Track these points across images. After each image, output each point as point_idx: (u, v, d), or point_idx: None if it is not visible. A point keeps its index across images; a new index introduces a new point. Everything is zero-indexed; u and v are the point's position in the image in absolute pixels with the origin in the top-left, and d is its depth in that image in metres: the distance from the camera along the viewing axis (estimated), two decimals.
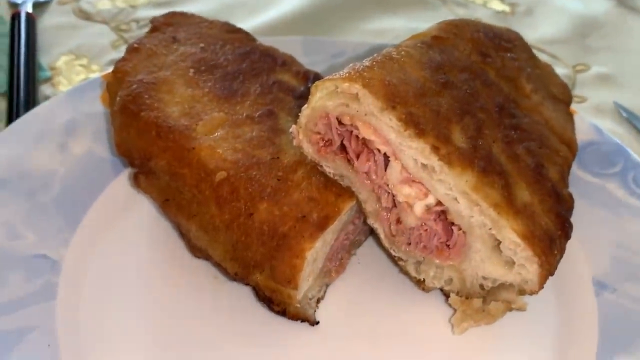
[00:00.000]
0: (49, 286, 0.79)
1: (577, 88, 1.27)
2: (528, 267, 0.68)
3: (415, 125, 0.66)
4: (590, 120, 1.03)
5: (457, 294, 0.76)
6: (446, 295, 0.79)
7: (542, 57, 1.33)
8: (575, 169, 0.94)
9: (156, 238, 0.86)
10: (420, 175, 0.68)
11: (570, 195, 0.78)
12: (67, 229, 0.85)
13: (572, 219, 0.77)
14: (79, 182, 0.90)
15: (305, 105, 0.72)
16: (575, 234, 0.76)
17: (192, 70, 0.85)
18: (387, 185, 0.71)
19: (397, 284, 0.83)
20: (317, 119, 0.72)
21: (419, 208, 0.71)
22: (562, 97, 0.91)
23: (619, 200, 0.91)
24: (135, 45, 0.88)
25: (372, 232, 0.87)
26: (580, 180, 0.94)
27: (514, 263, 0.69)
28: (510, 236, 0.67)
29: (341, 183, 0.74)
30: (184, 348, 0.76)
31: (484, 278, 0.72)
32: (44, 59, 1.24)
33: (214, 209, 0.72)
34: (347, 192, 0.74)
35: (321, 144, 0.73)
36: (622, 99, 1.24)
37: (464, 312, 0.77)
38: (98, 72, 1.22)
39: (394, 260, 0.79)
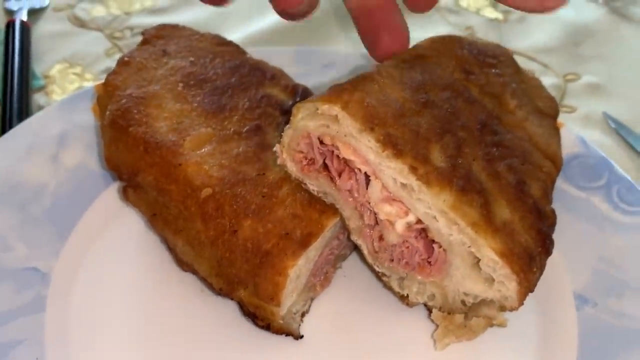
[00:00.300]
0: (38, 299, 0.80)
1: (566, 98, 1.28)
2: (507, 285, 0.70)
3: (393, 146, 0.68)
4: (576, 132, 1.04)
5: (440, 309, 0.78)
6: (430, 310, 0.80)
7: (533, 66, 1.35)
8: (560, 182, 0.95)
9: (145, 251, 0.87)
10: (400, 194, 0.70)
11: (553, 212, 0.79)
12: (57, 241, 0.86)
13: (556, 233, 0.78)
14: (70, 194, 0.91)
15: (288, 125, 0.74)
16: (557, 248, 0.77)
17: (181, 85, 0.86)
18: (369, 203, 0.72)
19: (382, 298, 0.84)
20: (299, 139, 0.73)
21: (400, 226, 0.72)
22: (548, 110, 0.91)
23: (602, 214, 0.92)
24: (126, 58, 0.89)
25: (357, 247, 0.89)
26: (565, 193, 0.95)
27: (493, 280, 0.71)
28: (489, 254, 0.68)
29: (325, 200, 0.75)
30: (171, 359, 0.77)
31: (465, 294, 0.74)
32: (38, 67, 1.25)
33: (200, 225, 0.74)
34: (331, 209, 0.75)
35: (304, 162, 0.75)
36: (612, 108, 1.24)
37: (446, 328, 0.78)
38: (92, 80, 1.23)
39: (378, 275, 0.80)
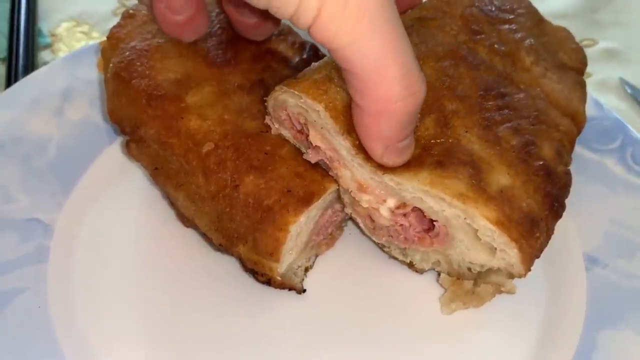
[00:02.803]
0: (41, 249, 0.80)
1: None
2: (509, 252, 0.68)
3: (364, 151, 0.66)
4: (591, 95, 1.01)
5: (448, 274, 0.76)
6: (439, 273, 0.79)
7: None
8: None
9: (148, 205, 0.87)
10: (383, 187, 0.69)
11: (567, 173, 0.75)
12: (61, 194, 0.86)
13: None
14: (74, 147, 0.91)
15: (269, 96, 0.72)
16: (568, 210, 0.74)
17: None
18: (350, 193, 0.71)
19: (386, 257, 0.84)
20: (280, 111, 0.72)
21: (384, 211, 0.71)
22: (573, 63, 0.86)
23: (615, 176, 0.90)
24: (131, 11, 0.87)
25: None
26: (578, 155, 0.92)
27: (496, 249, 0.69)
28: (483, 223, 0.66)
29: (325, 169, 0.74)
30: (172, 313, 0.78)
31: (471, 263, 0.72)
32: (44, 25, 1.24)
33: (201, 179, 0.73)
34: None
35: (296, 129, 0.73)
36: (629, 74, 1.21)
37: (454, 293, 0.77)
38: (99, 39, 1.22)
39: (379, 246, 0.79)
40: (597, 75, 1.22)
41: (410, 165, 0.67)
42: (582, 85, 0.84)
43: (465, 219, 0.67)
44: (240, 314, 0.78)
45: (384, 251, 0.80)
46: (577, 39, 1.29)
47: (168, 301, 0.78)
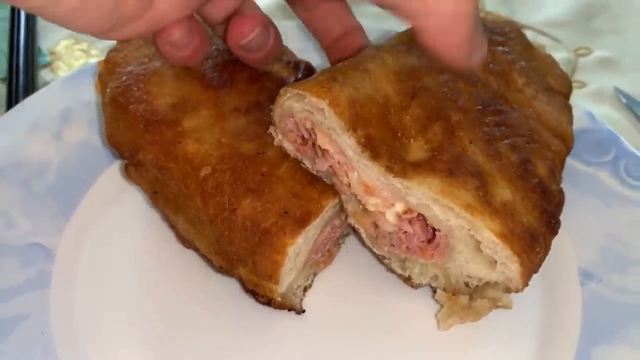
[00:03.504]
0: (43, 274, 0.81)
1: (578, 73, 1.25)
2: (509, 266, 0.69)
3: (371, 148, 0.67)
4: (584, 107, 1.02)
5: (444, 290, 0.77)
6: (434, 290, 0.79)
7: (544, 41, 1.33)
8: (567, 158, 0.94)
9: (148, 228, 0.88)
10: (390, 190, 0.69)
11: (560, 191, 0.77)
12: (61, 218, 0.87)
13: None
14: (74, 170, 0.92)
15: (275, 105, 0.73)
16: (563, 224, 0.76)
17: None
18: (356, 196, 0.72)
19: (385, 274, 0.84)
20: (286, 118, 0.73)
21: (390, 216, 0.72)
22: (560, 88, 0.89)
23: (609, 190, 0.91)
24: None
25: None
26: (572, 168, 0.93)
27: (496, 262, 0.70)
28: (488, 236, 0.67)
29: (326, 181, 0.74)
30: (175, 335, 0.78)
31: (469, 277, 0.73)
32: (43, 44, 1.25)
33: (199, 203, 0.74)
34: (331, 189, 0.74)
35: (299, 141, 0.74)
36: (624, 83, 1.22)
37: (450, 308, 0.78)
38: (97, 57, 1.23)
39: (379, 258, 0.80)
40: (592, 84, 1.23)
41: (420, 169, 0.68)
42: (569, 109, 0.86)
43: (469, 230, 0.68)
44: (241, 334, 0.79)
45: (382, 263, 0.80)
46: (572, 47, 1.32)
47: (171, 324, 0.79)
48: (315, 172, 0.75)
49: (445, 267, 0.73)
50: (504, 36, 0.86)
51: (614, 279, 0.82)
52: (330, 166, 0.73)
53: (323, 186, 0.74)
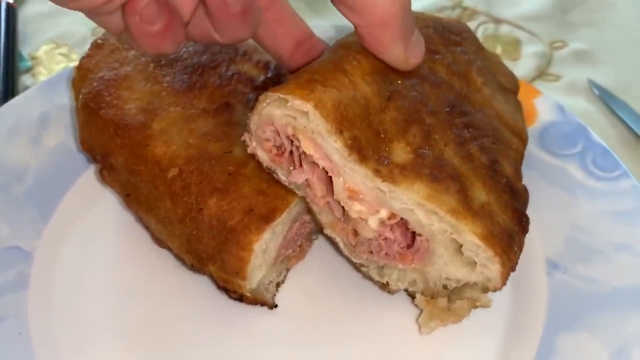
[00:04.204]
0: (21, 276, 0.83)
1: (552, 66, 1.27)
2: (490, 267, 0.70)
3: (358, 150, 0.67)
4: (554, 99, 1.04)
5: (422, 293, 0.77)
6: (412, 296, 0.80)
7: (520, 35, 1.34)
8: (536, 150, 0.96)
9: (125, 229, 0.90)
10: (374, 194, 0.69)
11: (525, 189, 0.79)
12: (39, 221, 0.89)
13: (531, 200, 0.79)
14: (52, 174, 0.93)
15: (253, 112, 0.71)
16: (531, 215, 0.77)
17: (152, 65, 0.87)
18: (339, 202, 0.71)
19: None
20: (265, 126, 0.71)
21: (373, 222, 0.71)
22: (510, 86, 0.91)
23: (576, 181, 0.92)
24: (99, 41, 0.90)
25: None
26: (540, 161, 0.95)
27: (476, 263, 0.71)
28: (471, 239, 0.68)
29: (297, 193, 0.74)
30: (153, 335, 0.80)
31: (447, 279, 0.74)
32: (24, 49, 1.27)
33: (169, 204, 0.75)
34: None
35: (274, 152, 0.73)
36: (598, 75, 1.23)
37: (430, 312, 0.78)
38: (78, 61, 1.25)
39: (356, 266, 0.80)
40: (566, 77, 1.24)
41: (406, 173, 0.68)
42: (521, 107, 0.89)
43: (451, 234, 0.68)
44: (215, 331, 0.80)
45: (360, 271, 0.81)
46: (548, 41, 1.33)
47: (148, 323, 0.81)
48: (286, 183, 0.73)
49: (424, 271, 0.74)
50: (459, 36, 0.87)
51: (579, 269, 0.83)
52: (306, 179, 0.72)
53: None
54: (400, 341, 0.80)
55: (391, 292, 0.80)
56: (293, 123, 0.69)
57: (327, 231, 0.76)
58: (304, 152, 0.70)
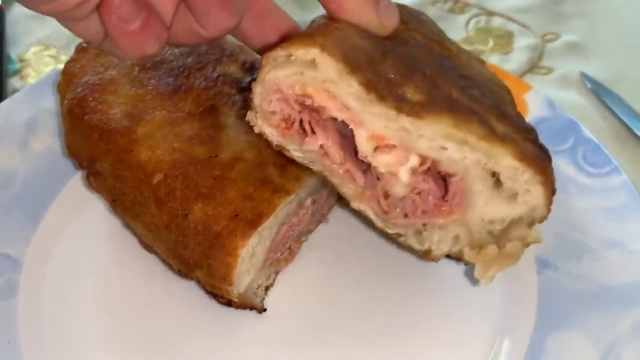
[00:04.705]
0: (10, 284, 0.83)
1: (544, 59, 1.26)
2: (532, 191, 0.67)
3: (375, 90, 0.64)
4: (544, 94, 1.03)
5: (469, 247, 0.72)
6: (456, 259, 0.75)
7: (512, 27, 1.33)
8: None
9: (113, 234, 0.89)
10: (399, 137, 0.66)
11: (532, 126, 0.75)
12: (28, 227, 0.89)
13: None
14: (40, 179, 0.93)
15: (254, 82, 0.67)
16: None
17: (137, 68, 0.86)
18: (365, 157, 0.68)
19: (348, 271, 0.86)
20: (271, 95, 0.68)
21: (404, 174, 0.67)
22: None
23: (567, 177, 0.92)
24: (84, 45, 0.89)
25: (322, 220, 0.90)
26: None
27: (516, 195, 0.67)
28: (508, 162, 0.65)
29: (313, 168, 0.72)
30: (142, 341, 0.80)
31: (491, 222, 0.70)
32: (13, 51, 1.26)
33: (154, 209, 0.75)
34: (284, 189, 0.75)
35: (283, 125, 0.70)
36: (591, 67, 1.22)
37: (484, 262, 0.72)
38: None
39: (392, 238, 0.75)
40: (558, 70, 1.23)
41: (428, 108, 0.65)
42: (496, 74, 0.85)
43: (485, 164, 0.66)
44: (205, 335, 0.80)
45: (397, 242, 0.76)
46: (541, 33, 1.32)
47: (138, 329, 0.80)
48: (300, 159, 0.71)
49: (465, 220, 0.70)
50: (423, 17, 0.86)
51: (569, 267, 0.83)
52: (321, 145, 0.70)
53: (276, 185, 0.75)
54: (391, 342, 0.80)
55: (435, 258, 0.74)
56: (301, 79, 0.66)
57: (354, 204, 0.72)
58: (317, 109, 0.67)
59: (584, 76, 1.19)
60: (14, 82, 1.21)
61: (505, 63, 1.24)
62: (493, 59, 1.25)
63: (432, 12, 1.37)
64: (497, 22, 1.35)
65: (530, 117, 0.99)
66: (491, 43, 1.30)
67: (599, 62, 1.25)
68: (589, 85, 1.17)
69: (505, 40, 1.31)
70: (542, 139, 0.94)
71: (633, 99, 1.14)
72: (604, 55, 1.26)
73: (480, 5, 1.39)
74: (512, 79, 1.05)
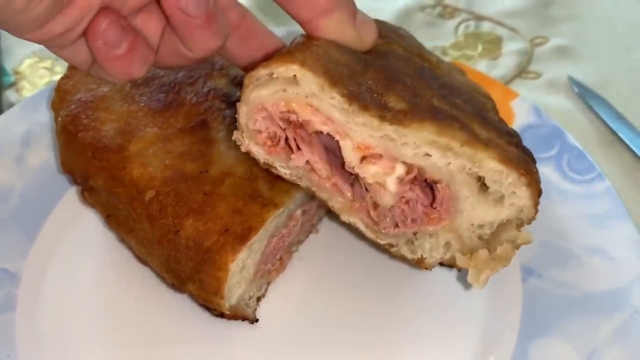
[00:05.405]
0: (8, 298, 0.85)
1: (533, 63, 1.28)
2: (518, 193, 0.68)
3: (357, 99, 0.66)
4: (531, 101, 1.05)
5: (461, 253, 0.74)
6: (449, 266, 0.77)
7: (501, 32, 1.35)
8: None
9: (110, 248, 0.91)
10: (384, 146, 0.67)
11: (515, 131, 0.78)
12: (26, 241, 0.90)
13: None
14: (37, 193, 0.95)
15: (239, 102, 0.69)
16: None
17: (129, 85, 0.88)
18: (352, 168, 0.69)
19: (339, 281, 0.88)
20: (256, 113, 0.69)
21: (392, 183, 0.69)
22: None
23: (552, 185, 0.93)
24: None
25: (312, 231, 0.92)
26: None
27: (503, 198, 0.69)
28: (491, 165, 0.66)
29: (301, 184, 0.74)
30: (138, 354, 0.82)
31: (480, 226, 0.72)
32: (7, 63, 1.28)
33: (147, 225, 0.77)
34: (273, 202, 0.77)
35: (269, 143, 0.72)
36: (579, 71, 1.24)
37: (476, 267, 0.73)
38: (62, 74, 1.25)
39: (383, 248, 0.76)
40: (546, 74, 1.25)
41: (411, 116, 0.67)
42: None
43: (470, 168, 0.67)
44: (198, 347, 0.82)
45: (389, 253, 0.77)
46: (529, 37, 1.34)
47: (134, 341, 0.82)
48: (287, 175, 0.73)
49: (455, 227, 0.72)
50: (402, 32, 0.88)
51: (553, 274, 0.85)
52: (307, 161, 0.71)
53: (265, 200, 0.77)
54: (381, 351, 0.82)
55: (429, 266, 0.76)
56: (285, 96, 0.68)
57: (344, 217, 0.74)
58: (302, 124, 0.69)
59: (572, 80, 1.21)
60: (9, 94, 1.22)
61: (493, 69, 1.26)
62: (481, 65, 1.27)
63: (421, 17, 1.38)
64: (486, 26, 1.36)
65: (516, 124, 1.01)
66: (480, 48, 1.31)
67: (587, 65, 1.26)
68: (576, 90, 1.19)
69: (494, 45, 1.32)
70: (529, 146, 0.97)
71: (620, 102, 1.16)
72: (592, 59, 1.28)
73: (469, 10, 1.40)
74: (499, 86, 1.07)
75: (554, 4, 1.40)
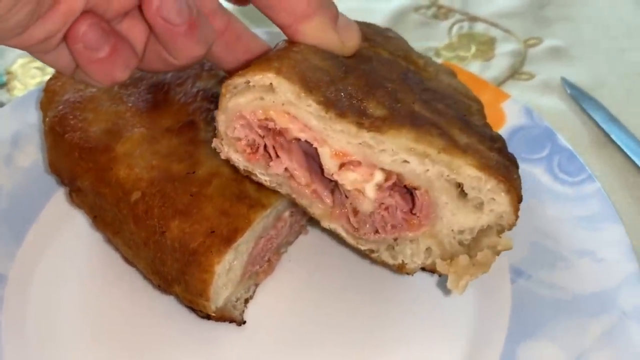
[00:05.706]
0: None
1: (526, 64, 1.27)
2: (497, 199, 0.68)
3: (333, 107, 0.66)
4: (523, 102, 1.04)
5: (441, 258, 0.74)
6: (431, 271, 0.76)
7: (495, 33, 1.35)
8: None
9: (97, 250, 0.91)
10: (362, 153, 0.67)
11: (500, 135, 0.77)
12: (13, 243, 0.90)
13: None
14: (25, 195, 0.94)
15: (217, 111, 0.71)
16: None
17: (117, 85, 0.87)
18: (332, 176, 0.70)
19: (327, 282, 0.88)
20: (234, 121, 0.71)
21: (370, 190, 0.69)
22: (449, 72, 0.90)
23: (543, 186, 0.93)
24: None
25: (302, 232, 0.92)
26: None
27: (482, 204, 0.69)
28: (469, 172, 0.66)
29: (281, 191, 0.74)
30: (123, 354, 0.81)
31: (460, 232, 0.71)
32: (0, 64, 1.28)
33: (133, 227, 0.76)
34: (260, 203, 0.77)
35: (248, 150, 0.73)
36: (572, 72, 1.23)
37: (456, 273, 0.73)
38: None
39: (365, 254, 0.76)
40: (540, 75, 1.25)
41: (389, 122, 0.66)
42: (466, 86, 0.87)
43: (448, 175, 0.67)
44: (185, 349, 0.81)
45: (371, 259, 0.77)
46: (523, 38, 1.33)
47: (122, 343, 0.82)
48: (267, 182, 0.73)
49: (435, 232, 0.72)
50: (389, 33, 0.87)
51: (542, 275, 0.84)
52: (286, 168, 0.72)
53: (252, 200, 0.76)
54: (369, 353, 0.81)
55: (410, 272, 0.76)
56: (262, 104, 0.68)
57: (324, 224, 0.74)
58: (280, 131, 0.69)
59: (564, 82, 1.21)
60: (0, 94, 1.22)
61: (486, 70, 1.26)
62: (474, 66, 1.27)
63: (415, 18, 1.38)
64: (480, 27, 1.36)
65: (507, 125, 1.01)
66: (473, 49, 1.31)
67: (581, 66, 1.26)
68: (568, 91, 1.18)
69: (487, 47, 1.32)
70: (520, 147, 0.97)
71: (613, 104, 1.15)
72: (585, 60, 1.27)
73: (463, 10, 1.40)
74: (490, 87, 1.07)
75: (548, 4, 1.40)
